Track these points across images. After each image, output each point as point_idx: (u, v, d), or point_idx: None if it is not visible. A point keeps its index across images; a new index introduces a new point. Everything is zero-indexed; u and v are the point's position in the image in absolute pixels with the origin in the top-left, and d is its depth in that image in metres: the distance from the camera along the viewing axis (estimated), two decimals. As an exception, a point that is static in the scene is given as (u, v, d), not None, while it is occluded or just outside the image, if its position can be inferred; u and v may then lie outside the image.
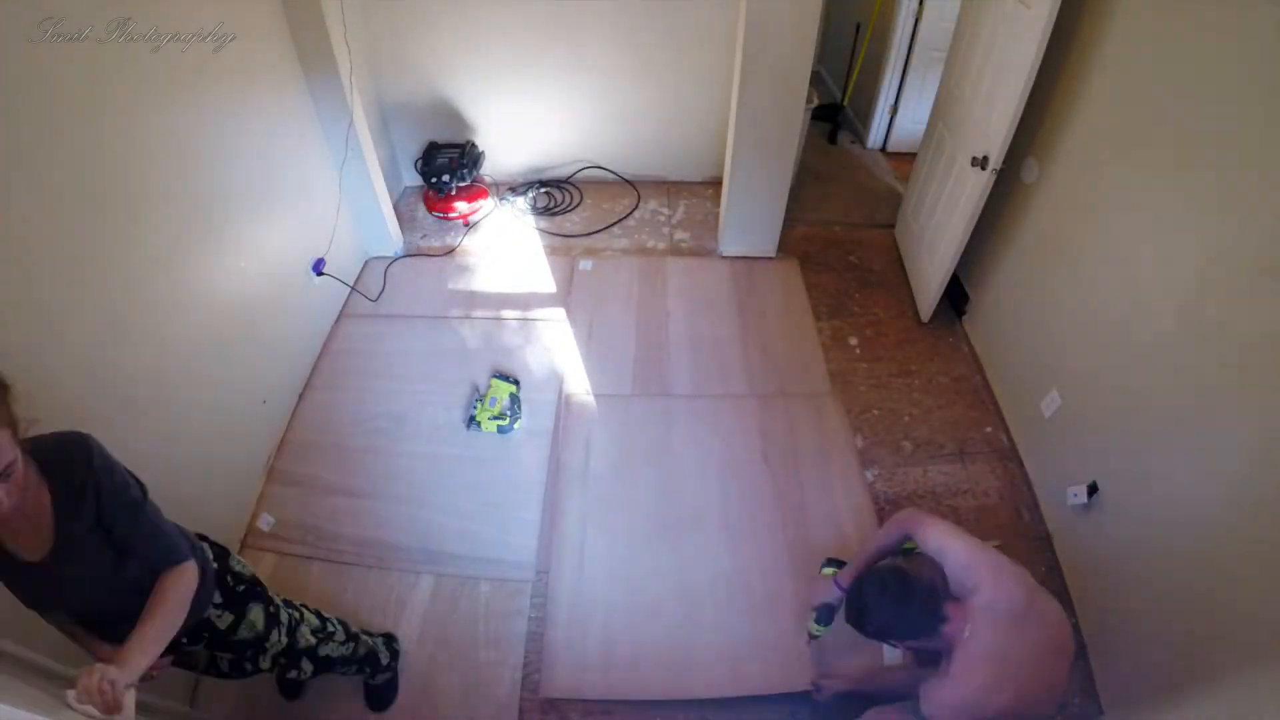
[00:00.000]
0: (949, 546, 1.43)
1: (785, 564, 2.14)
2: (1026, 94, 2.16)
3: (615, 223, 3.60)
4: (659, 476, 2.38)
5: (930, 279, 2.91)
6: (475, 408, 2.53)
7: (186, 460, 2.00)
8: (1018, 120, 2.23)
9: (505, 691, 1.91)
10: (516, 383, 2.65)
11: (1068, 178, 2.21)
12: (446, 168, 3.38)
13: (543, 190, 3.81)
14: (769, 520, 2.24)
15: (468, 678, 1.94)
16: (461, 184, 3.45)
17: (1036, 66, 2.10)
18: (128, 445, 1.76)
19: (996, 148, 2.33)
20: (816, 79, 5.14)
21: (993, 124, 2.38)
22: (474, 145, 3.53)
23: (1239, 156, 1.54)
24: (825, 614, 1.80)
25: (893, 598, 1.39)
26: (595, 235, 3.52)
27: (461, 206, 3.51)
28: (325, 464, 2.45)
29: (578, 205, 3.72)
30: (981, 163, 2.40)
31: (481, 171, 3.71)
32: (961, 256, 2.77)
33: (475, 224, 3.56)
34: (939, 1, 3.68)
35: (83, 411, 1.63)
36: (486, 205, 3.63)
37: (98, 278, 1.69)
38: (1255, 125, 1.49)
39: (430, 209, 3.58)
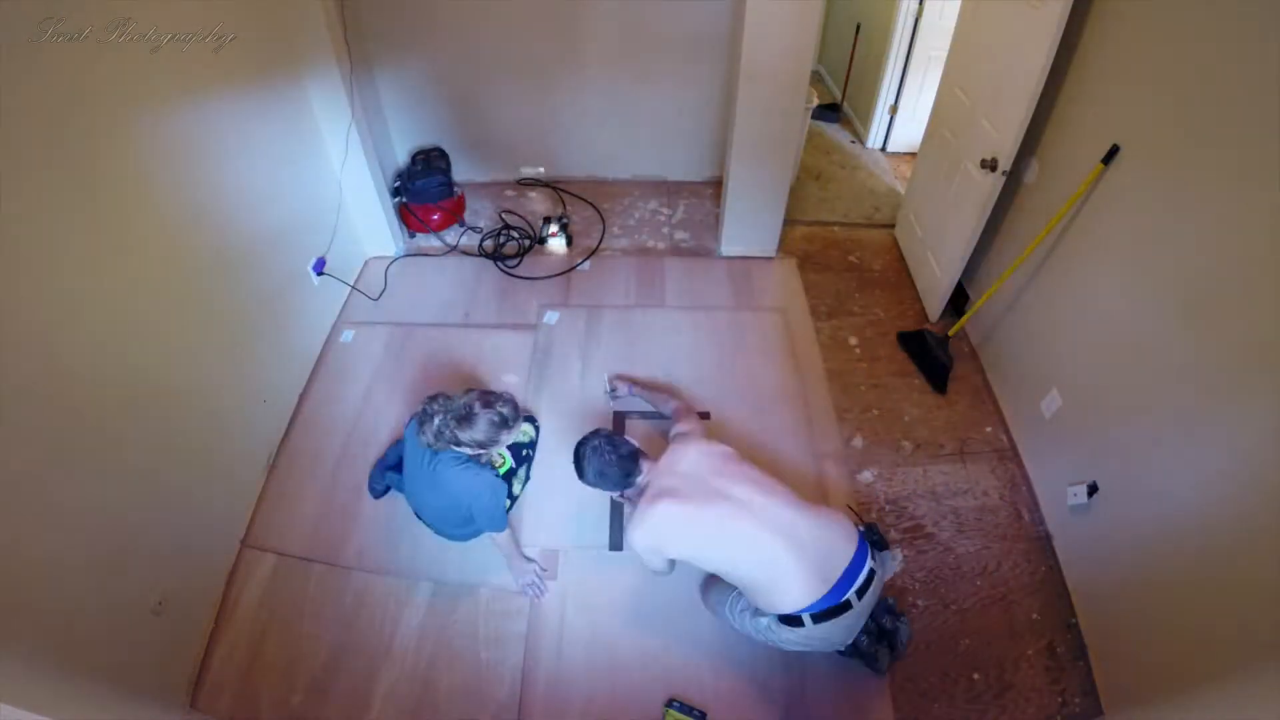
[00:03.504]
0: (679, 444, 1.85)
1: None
2: (1037, 95, 2.16)
3: (615, 222, 3.60)
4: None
5: (939, 280, 2.91)
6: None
7: (187, 459, 2.00)
8: (1027, 122, 2.23)
9: (505, 691, 1.91)
10: (534, 423, 2.35)
11: (1069, 178, 2.21)
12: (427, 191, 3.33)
13: (542, 189, 3.81)
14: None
15: (468, 678, 1.94)
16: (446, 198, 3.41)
17: (1048, 68, 2.10)
18: (129, 443, 1.78)
19: (1006, 150, 2.33)
20: (816, 79, 5.15)
21: (1002, 126, 2.37)
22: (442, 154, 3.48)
23: (1239, 157, 1.54)
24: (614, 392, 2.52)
25: (600, 456, 1.81)
26: (594, 234, 3.52)
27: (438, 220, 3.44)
28: (326, 465, 2.45)
29: (577, 205, 3.72)
30: (991, 165, 2.40)
31: (474, 174, 3.73)
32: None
33: (474, 225, 3.55)
34: (939, 2, 3.68)
35: (83, 410, 1.63)
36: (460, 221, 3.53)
37: (97, 278, 1.69)
38: (1256, 126, 1.49)
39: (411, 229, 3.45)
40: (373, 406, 2.64)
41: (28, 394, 1.47)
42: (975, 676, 1.95)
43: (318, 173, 2.82)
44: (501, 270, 3.27)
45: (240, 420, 2.30)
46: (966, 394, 2.72)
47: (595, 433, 1.87)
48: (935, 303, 2.96)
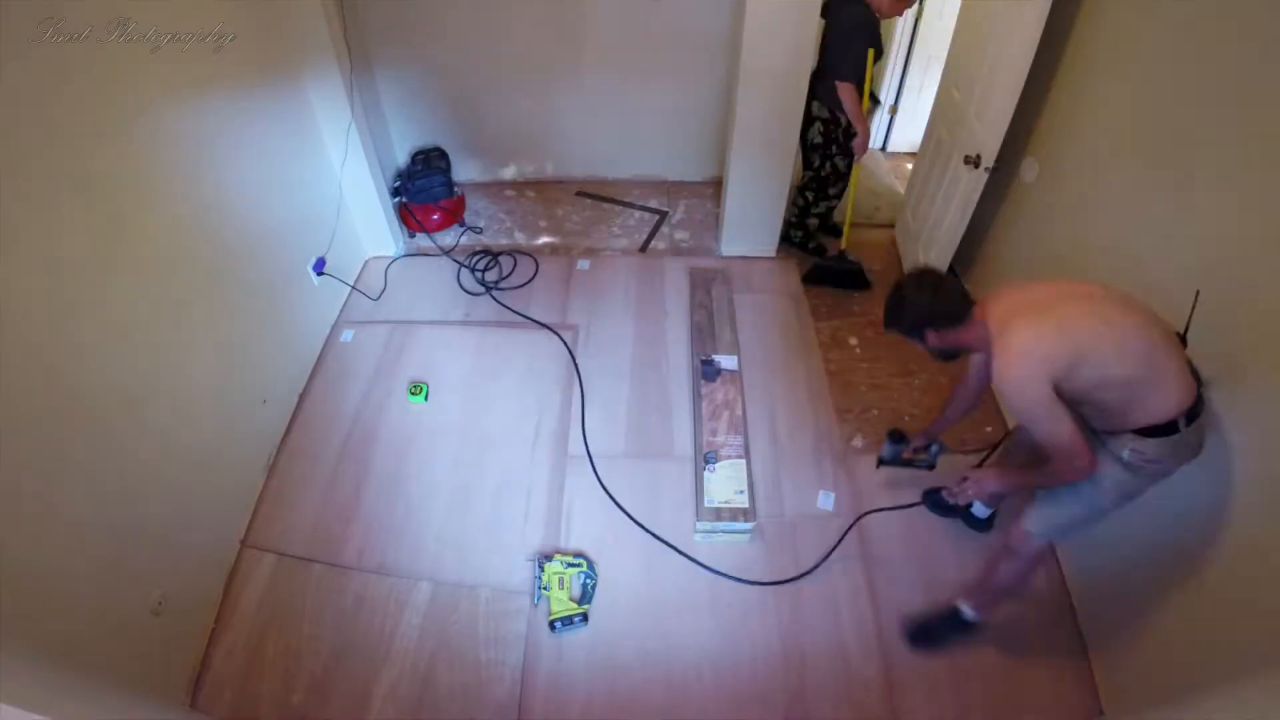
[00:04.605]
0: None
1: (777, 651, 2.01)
2: (1018, 91, 2.16)
3: (615, 222, 3.60)
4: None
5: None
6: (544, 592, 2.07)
7: (187, 459, 2.00)
8: (1009, 118, 2.23)
9: (505, 691, 1.91)
10: (584, 561, 2.13)
11: (1067, 177, 2.21)
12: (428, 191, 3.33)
13: (542, 188, 3.81)
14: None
15: (468, 677, 1.94)
16: (445, 199, 3.41)
17: (1029, 63, 2.10)
18: (129, 444, 1.78)
19: (989, 146, 2.33)
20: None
21: (986, 122, 2.38)
22: (442, 153, 3.49)
23: (1239, 155, 1.54)
24: (892, 442, 2.13)
25: (928, 286, 1.59)
26: (594, 234, 3.51)
27: (437, 220, 3.44)
28: (326, 465, 2.45)
29: (576, 204, 3.72)
30: (975, 161, 2.40)
31: (475, 173, 3.73)
32: (962, 255, 2.77)
33: (473, 225, 3.55)
34: (939, 2, 3.68)
35: (85, 409, 1.63)
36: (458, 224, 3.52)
37: (96, 278, 1.69)
38: (1255, 122, 1.49)
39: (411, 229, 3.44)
40: (372, 406, 2.64)
41: (27, 394, 1.47)
42: (974, 677, 1.95)
43: (318, 173, 2.82)
44: (494, 299, 3.11)
45: (240, 420, 2.30)
46: (966, 394, 2.71)
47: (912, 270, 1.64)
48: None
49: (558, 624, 1.99)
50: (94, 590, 1.63)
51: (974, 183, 2.44)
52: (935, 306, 1.58)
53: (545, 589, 2.05)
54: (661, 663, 1.96)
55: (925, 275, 1.62)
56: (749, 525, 2.16)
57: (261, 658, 1.97)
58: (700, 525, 2.18)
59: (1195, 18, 1.66)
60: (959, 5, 2.89)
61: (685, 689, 1.91)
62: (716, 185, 3.77)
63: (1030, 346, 1.42)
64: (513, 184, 3.85)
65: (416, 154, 3.49)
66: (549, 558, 2.12)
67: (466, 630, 2.03)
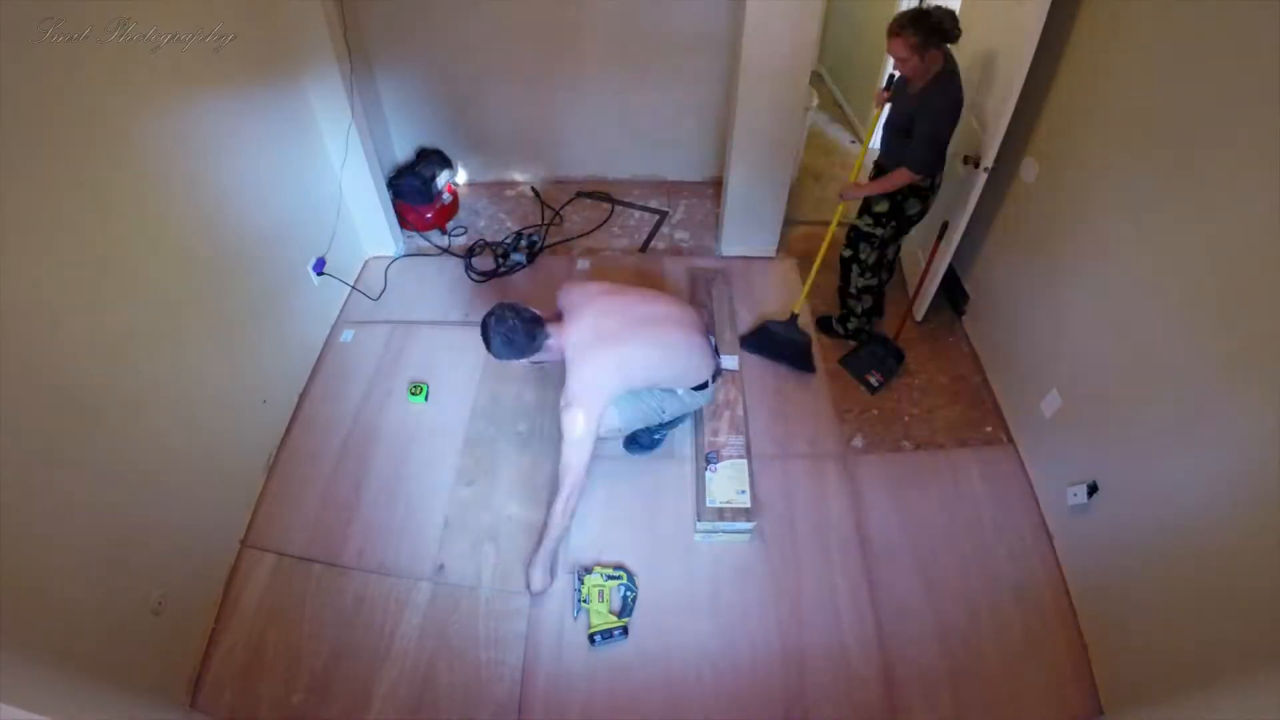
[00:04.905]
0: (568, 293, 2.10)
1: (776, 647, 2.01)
2: (1017, 93, 2.16)
3: (615, 222, 3.60)
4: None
5: (926, 279, 2.91)
6: (585, 604, 2.03)
7: (187, 459, 2.00)
8: (1009, 118, 2.23)
9: (505, 691, 1.91)
10: (624, 573, 2.10)
11: (1068, 177, 2.21)
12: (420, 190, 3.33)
13: (541, 187, 3.81)
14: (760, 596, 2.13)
15: (468, 677, 1.94)
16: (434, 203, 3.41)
17: (1028, 63, 2.09)
18: (130, 443, 1.78)
19: (989, 146, 2.33)
20: (817, 79, 5.15)
21: (986, 123, 2.38)
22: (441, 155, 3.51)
23: (1238, 155, 1.54)
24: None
25: (497, 322, 1.86)
26: (594, 234, 3.52)
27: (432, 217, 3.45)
28: (326, 465, 2.45)
29: (576, 203, 3.72)
30: (974, 161, 2.40)
31: (475, 173, 3.72)
32: (962, 255, 2.77)
33: (465, 226, 3.55)
34: (939, 2, 3.67)
35: (85, 409, 1.63)
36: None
37: (98, 278, 1.69)
38: (1255, 123, 1.49)
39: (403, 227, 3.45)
40: (372, 406, 2.64)
41: (28, 394, 1.47)
42: (974, 677, 1.95)
43: (317, 172, 2.82)
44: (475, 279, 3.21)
45: (240, 420, 2.30)
46: (966, 394, 2.72)
47: (498, 304, 1.91)
48: (921, 302, 2.95)
49: (597, 637, 1.95)
50: (94, 590, 1.63)
51: (973, 184, 2.44)
52: (515, 341, 1.87)
53: (585, 602, 2.01)
54: (661, 663, 1.96)
55: (502, 311, 1.88)
56: (750, 525, 2.16)
57: (261, 658, 1.98)
58: (701, 525, 2.18)
59: (1196, 17, 1.66)
60: (959, 5, 2.88)
61: (685, 689, 1.91)
62: (716, 185, 3.77)
63: (593, 381, 1.88)
64: (512, 184, 3.85)
65: (420, 151, 3.50)
66: (589, 570, 2.08)
67: (466, 630, 2.03)
